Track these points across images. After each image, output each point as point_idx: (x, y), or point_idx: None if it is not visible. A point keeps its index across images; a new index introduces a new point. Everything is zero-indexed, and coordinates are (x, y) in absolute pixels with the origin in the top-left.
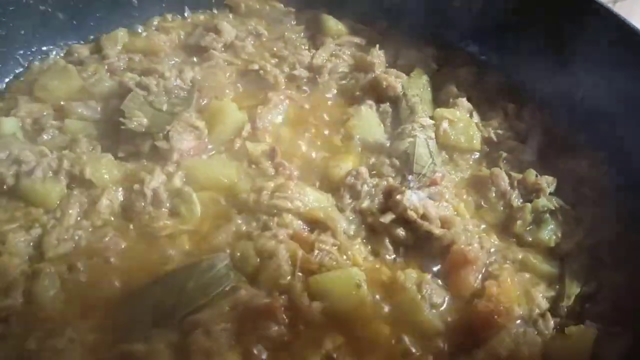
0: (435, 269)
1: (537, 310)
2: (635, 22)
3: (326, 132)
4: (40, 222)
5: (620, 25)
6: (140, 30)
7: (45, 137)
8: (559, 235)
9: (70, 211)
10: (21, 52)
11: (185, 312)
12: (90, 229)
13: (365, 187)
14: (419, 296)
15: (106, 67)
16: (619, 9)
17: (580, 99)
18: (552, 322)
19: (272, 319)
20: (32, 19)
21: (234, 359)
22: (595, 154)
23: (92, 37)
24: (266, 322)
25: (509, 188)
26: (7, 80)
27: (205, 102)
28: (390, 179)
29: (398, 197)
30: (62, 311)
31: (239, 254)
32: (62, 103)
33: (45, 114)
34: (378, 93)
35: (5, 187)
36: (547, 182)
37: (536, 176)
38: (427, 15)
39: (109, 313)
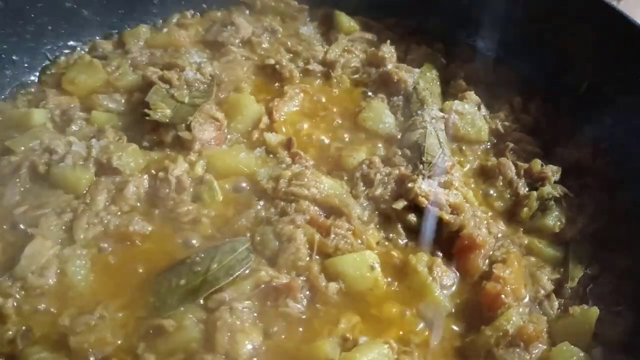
0: (444, 252)
1: (542, 292)
2: (638, 18)
3: (339, 123)
4: (71, 207)
5: (621, 21)
6: (160, 27)
7: (73, 127)
8: (563, 221)
9: (99, 197)
10: (48, 47)
11: (210, 291)
12: (118, 214)
13: (379, 176)
14: (430, 278)
15: (129, 61)
16: (623, 7)
17: (584, 92)
18: (556, 302)
19: (291, 298)
20: (58, 15)
21: (256, 334)
22: (598, 145)
23: (115, 32)
24: (286, 301)
25: (515, 177)
26: (35, 74)
27: (224, 95)
28: (402, 168)
29: (410, 184)
30: (93, 290)
31: (258, 238)
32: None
33: (72, 105)
34: (389, 87)
35: (37, 174)
36: (552, 171)
37: (541, 165)
38: (436, 12)
39: (137, 292)
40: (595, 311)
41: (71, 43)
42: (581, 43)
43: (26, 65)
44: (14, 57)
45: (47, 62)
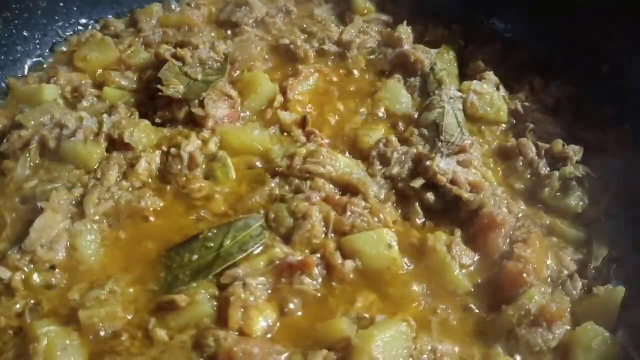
0: (463, 231)
1: (565, 272)
2: None
3: (355, 103)
4: (81, 182)
5: None
6: (173, 6)
7: (85, 103)
8: (586, 201)
9: (110, 172)
10: (60, 24)
11: (224, 266)
12: (129, 190)
13: (395, 155)
14: (449, 257)
15: (141, 39)
16: None
17: (606, 73)
18: (580, 283)
19: (307, 275)
20: None
21: (270, 310)
22: (620, 126)
23: (126, 11)
24: (300, 278)
25: (536, 157)
26: (47, 50)
27: (237, 73)
28: (420, 147)
29: (428, 162)
30: (103, 265)
31: (273, 215)
32: (100, 72)
33: (84, 82)
34: (406, 67)
35: (47, 149)
36: (574, 151)
37: (563, 145)
38: None
39: (148, 267)
40: (621, 291)
41: (83, 21)
42: (604, 23)
43: (37, 41)
44: (25, 34)
45: (59, 39)
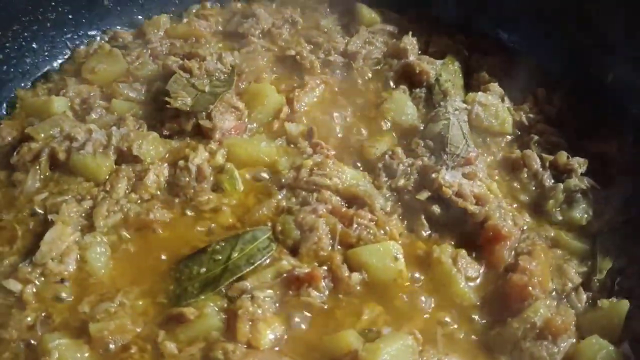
0: (469, 244)
1: (569, 285)
2: None
3: (361, 115)
4: (91, 194)
5: None
6: (181, 17)
7: (93, 115)
8: (590, 213)
9: (119, 185)
10: (68, 36)
11: (232, 279)
12: (138, 202)
13: (401, 167)
14: (454, 270)
15: (149, 51)
16: None
17: (610, 83)
18: (584, 295)
19: (314, 287)
20: (79, 4)
21: (278, 323)
22: (624, 137)
23: (134, 23)
24: (308, 290)
25: (540, 169)
26: (55, 63)
27: (244, 85)
28: (425, 159)
29: (433, 175)
30: (113, 278)
31: (280, 227)
32: (108, 84)
33: (92, 94)
34: (411, 78)
35: (57, 161)
36: (579, 163)
37: (567, 158)
38: (457, 4)
39: (157, 280)
40: (625, 304)
41: (91, 32)
42: (606, 33)
43: (46, 53)
44: (34, 46)
45: (67, 51)
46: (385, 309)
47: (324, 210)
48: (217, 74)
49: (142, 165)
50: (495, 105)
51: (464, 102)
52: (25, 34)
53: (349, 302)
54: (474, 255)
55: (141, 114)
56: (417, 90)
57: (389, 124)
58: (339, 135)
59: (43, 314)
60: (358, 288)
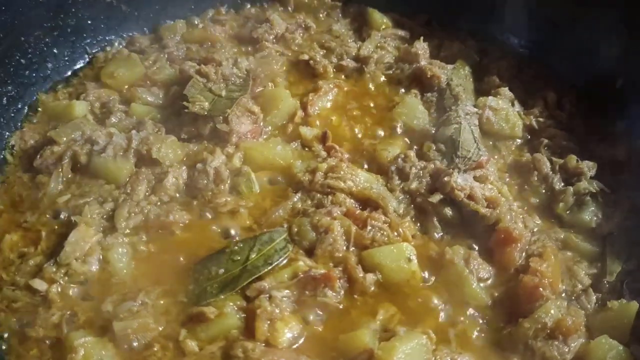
0: (480, 246)
1: (579, 286)
2: None
3: (373, 118)
4: (112, 196)
5: None
6: (196, 22)
7: (113, 119)
8: (600, 216)
9: (140, 187)
10: (87, 41)
11: (250, 279)
12: (157, 204)
13: (414, 170)
14: (467, 271)
15: (166, 56)
16: None
17: (620, 88)
18: (594, 297)
19: (330, 288)
20: (98, 11)
21: (295, 322)
22: (634, 141)
23: (151, 28)
24: (324, 290)
25: (550, 172)
26: (75, 67)
27: (259, 89)
28: (437, 162)
29: (446, 178)
30: (135, 277)
31: (296, 229)
32: (127, 89)
33: (112, 98)
34: (422, 82)
35: (79, 164)
36: (588, 167)
37: (577, 161)
38: (468, 9)
39: (177, 280)
40: (634, 305)
41: (109, 38)
42: (616, 38)
43: (67, 58)
44: (55, 51)
45: (87, 56)
46: (400, 308)
47: (339, 212)
48: (232, 79)
49: (161, 168)
50: (506, 109)
51: (475, 106)
52: (47, 39)
53: (363, 302)
54: (485, 256)
55: (159, 118)
56: (429, 94)
57: (401, 128)
58: (352, 139)
59: (68, 313)
60: (372, 288)
